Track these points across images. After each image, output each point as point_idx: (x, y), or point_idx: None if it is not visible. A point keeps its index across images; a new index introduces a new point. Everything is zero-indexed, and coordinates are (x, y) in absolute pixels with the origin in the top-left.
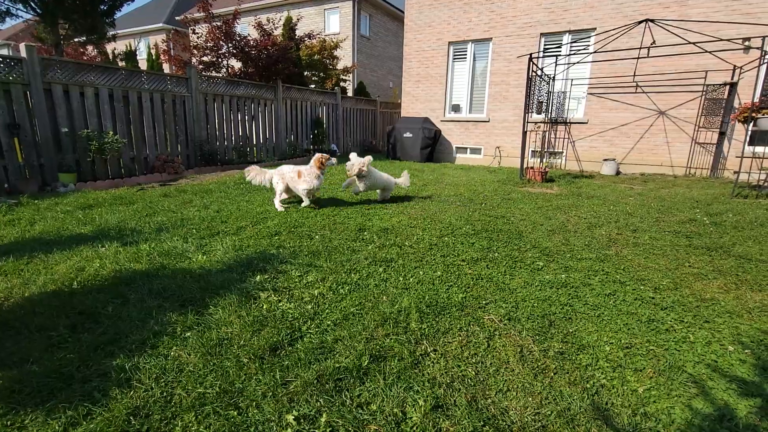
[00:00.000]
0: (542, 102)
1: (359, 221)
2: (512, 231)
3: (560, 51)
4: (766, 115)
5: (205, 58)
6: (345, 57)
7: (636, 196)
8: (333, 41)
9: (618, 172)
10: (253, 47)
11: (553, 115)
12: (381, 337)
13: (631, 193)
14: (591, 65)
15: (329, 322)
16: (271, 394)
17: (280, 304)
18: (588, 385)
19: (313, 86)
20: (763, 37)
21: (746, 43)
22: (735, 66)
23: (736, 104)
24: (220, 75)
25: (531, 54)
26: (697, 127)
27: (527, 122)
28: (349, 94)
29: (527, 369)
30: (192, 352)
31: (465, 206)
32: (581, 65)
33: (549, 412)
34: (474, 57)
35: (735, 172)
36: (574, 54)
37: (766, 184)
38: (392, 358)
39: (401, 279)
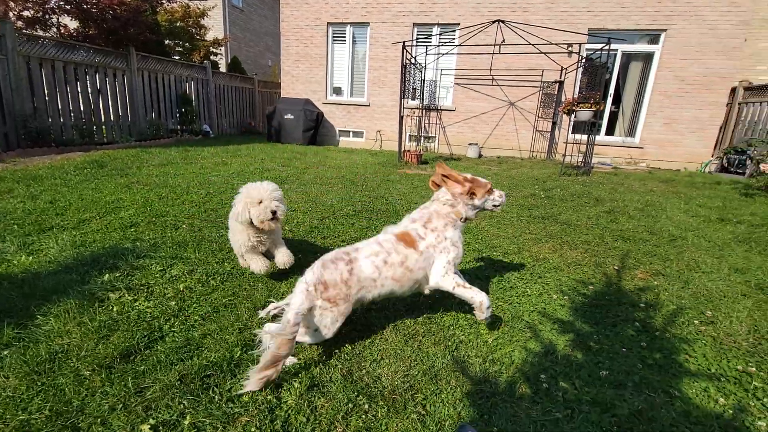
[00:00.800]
0: (416, 89)
1: None
2: (390, 210)
3: (431, 41)
4: (582, 109)
5: (26, 12)
6: (215, 28)
7: (493, 176)
8: (199, 8)
9: (480, 155)
10: (94, 3)
11: (427, 101)
12: (256, 326)
13: (489, 173)
14: (457, 57)
15: (197, 317)
16: (121, 406)
17: (136, 303)
18: (449, 343)
19: (177, 58)
20: (580, 44)
21: (569, 48)
22: (562, 67)
23: (563, 99)
24: (50, 35)
25: (404, 42)
26: (536, 118)
27: (403, 108)
28: (222, 69)
29: (399, 337)
30: (11, 374)
31: (347, 188)
32: (449, 57)
33: (416, 373)
34: (353, 40)
35: (563, 156)
36: (442, 45)
37: (582, 165)
38: None
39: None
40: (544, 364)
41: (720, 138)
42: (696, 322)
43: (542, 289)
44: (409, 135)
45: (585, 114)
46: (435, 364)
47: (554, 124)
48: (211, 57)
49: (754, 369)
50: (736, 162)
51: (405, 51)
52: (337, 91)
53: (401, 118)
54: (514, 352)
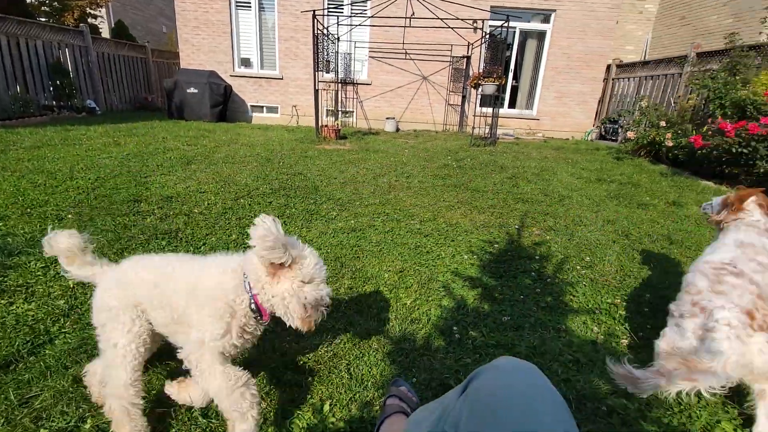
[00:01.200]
0: (329, 61)
1: (132, 191)
2: (309, 187)
3: (342, 12)
4: (487, 83)
5: None
6: None
7: (410, 149)
8: None
9: (398, 129)
10: None
11: (342, 75)
12: None
13: (406, 146)
14: (370, 30)
15: None
16: (3, 421)
17: (13, 307)
18: (372, 311)
19: (44, 20)
20: (484, 21)
21: (474, 24)
22: (469, 42)
23: (471, 73)
24: None
25: (314, 11)
26: (448, 92)
27: (318, 81)
28: (105, 35)
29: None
30: None
31: (263, 166)
32: (363, 29)
33: (340, 341)
34: (260, 7)
35: (472, 128)
36: (355, 16)
37: (489, 136)
38: None
39: (190, 250)
40: (457, 318)
41: (599, 110)
42: (578, 267)
43: (455, 251)
44: (327, 110)
45: (489, 88)
46: (358, 331)
47: (464, 98)
48: (90, 20)
49: (619, 301)
50: (611, 130)
51: (316, 20)
52: (246, 62)
53: (316, 92)
54: (430, 310)
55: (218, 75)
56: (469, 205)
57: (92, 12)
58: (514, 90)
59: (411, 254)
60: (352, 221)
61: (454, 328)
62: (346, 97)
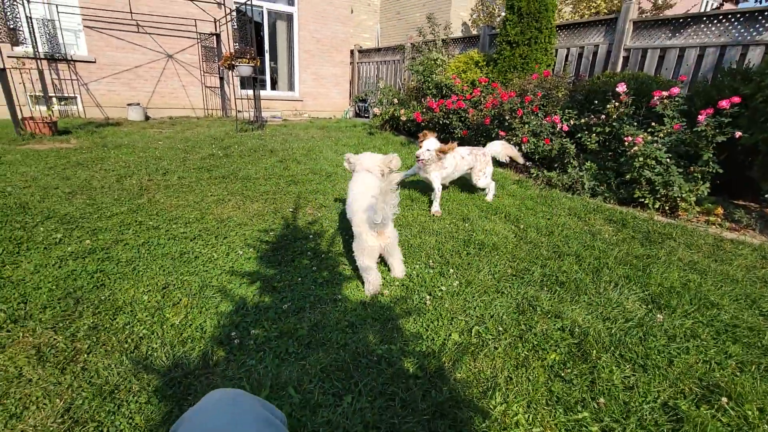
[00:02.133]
0: (15, 28)
1: None
2: (11, 205)
3: None
4: (242, 64)
5: None
6: None
7: (165, 140)
8: None
9: (147, 117)
10: None
11: (46, 49)
12: None
13: (160, 137)
14: None
15: None
16: None
17: None
18: (126, 345)
19: None
20: None
21: None
22: (215, 19)
23: (223, 53)
24: None
25: None
26: (202, 73)
27: (4, 57)
28: None
29: (51, 368)
30: None
31: None
32: None
33: (81, 402)
34: None
35: (237, 111)
36: None
37: (256, 120)
38: None
39: None
40: (236, 320)
41: (351, 90)
42: (346, 237)
43: (228, 248)
44: (31, 96)
45: (245, 69)
46: (109, 379)
47: (221, 79)
48: None
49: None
50: (363, 109)
51: None
52: None
53: (2, 71)
54: (205, 322)
55: None
56: (241, 195)
57: None
58: (274, 72)
59: (175, 264)
60: (88, 241)
61: (233, 333)
62: (60, 79)
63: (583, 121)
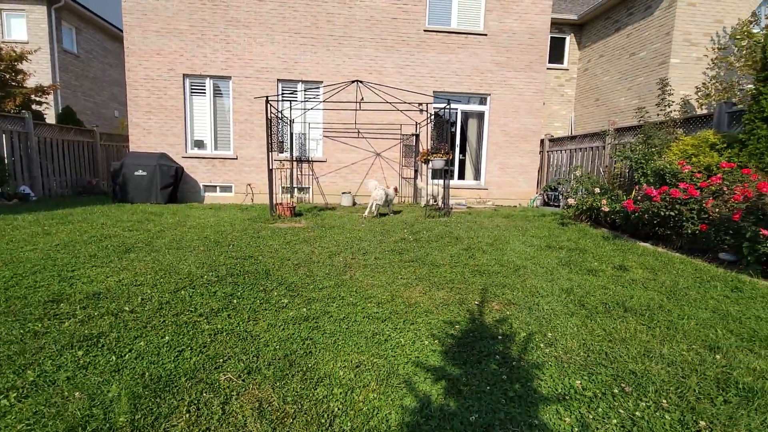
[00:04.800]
0: (283, 141)
1: (54, 289)
2: (260, 271)
3: (296, 96)
4: (436, 158)
5: None
6: (41, 74)
7: (366, 223)
8: (15, 51)
9: (354, 203)
10: None
11: (297, 153)
12: None
13: (362, 220)
14: (323, 112)
15: None
16: None
17: None
18: (323, 420)
19: None
20: (428, 104)
21: (420, 106)
22: (416, 122)
23: (420, 149)
24: None
25: (267, 96)
26: (401, 166)
27: (272, 160)
28: (50, 120)
29: (266, 425)
30: None
31: (210, 250)
32: (316, 111)
33: None
34: (214, 92)
35: (427, 199)
36: (308, 101)
37: (443, 207)
38: None
39: (113, 359)
40: (420, 422)
41: (539, 178)
42: (541, 345)
43: (415, 336)
44: (282, 187)
45: (438, 163)
46: None
47: (416, 171)
48: (34, 106)
49: (586, 382)
50: (553, 197)
51: (270, 105)
52: (199, 144)
53: (270, 170)
54: (390, 414)
55: (169, 157)
56: (428, 281)
57: (37, 99)
58: (462, 163)
59: (368, 344)
60: (305, 309)
61: None
62: (302, 174)
63: None
